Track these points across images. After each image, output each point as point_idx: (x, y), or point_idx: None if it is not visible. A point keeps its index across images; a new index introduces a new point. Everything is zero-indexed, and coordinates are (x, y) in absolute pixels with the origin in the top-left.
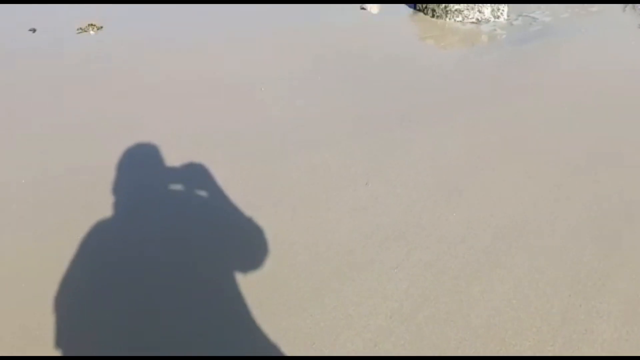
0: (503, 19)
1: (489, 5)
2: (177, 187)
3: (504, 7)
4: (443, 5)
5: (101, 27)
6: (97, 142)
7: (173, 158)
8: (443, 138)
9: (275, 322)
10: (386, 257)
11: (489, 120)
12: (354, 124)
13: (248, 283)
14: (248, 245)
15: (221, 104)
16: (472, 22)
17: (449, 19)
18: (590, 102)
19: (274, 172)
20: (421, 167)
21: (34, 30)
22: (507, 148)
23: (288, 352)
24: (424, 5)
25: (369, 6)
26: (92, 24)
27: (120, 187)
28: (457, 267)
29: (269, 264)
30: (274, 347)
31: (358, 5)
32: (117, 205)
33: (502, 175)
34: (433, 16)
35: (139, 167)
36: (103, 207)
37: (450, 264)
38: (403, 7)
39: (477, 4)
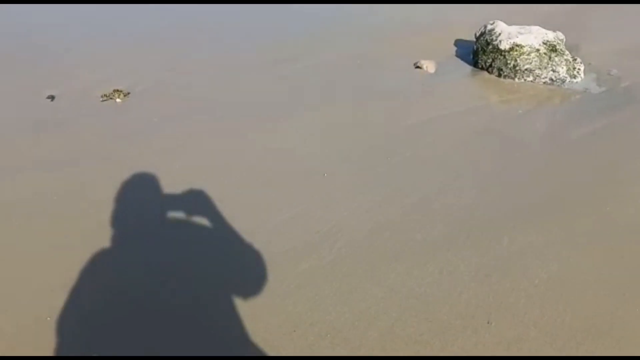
0: (580, 78)
1: (564, 64)
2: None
3: (581, 66)
4: (512, 64)
5: (128, 94)
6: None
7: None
8: (563, 249)
9: None
10: None
11: (613, 227)
12: (447, 230)
13: None
14: None
15: (274, 199)
16: (546, 83)
17: (518, 79)
18: None
19: (359, 304)
20: (551, 294)
21: (52, 98)
22: None
23: None
24: (488, 64)
25: (424, 63)
26: (117, 90)
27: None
28: None
29: None
30: None
31: (412, 63)
32: None
33: None
34: (500, 75)
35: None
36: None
37: None
38: (462, 65)
39: (550, 63)
